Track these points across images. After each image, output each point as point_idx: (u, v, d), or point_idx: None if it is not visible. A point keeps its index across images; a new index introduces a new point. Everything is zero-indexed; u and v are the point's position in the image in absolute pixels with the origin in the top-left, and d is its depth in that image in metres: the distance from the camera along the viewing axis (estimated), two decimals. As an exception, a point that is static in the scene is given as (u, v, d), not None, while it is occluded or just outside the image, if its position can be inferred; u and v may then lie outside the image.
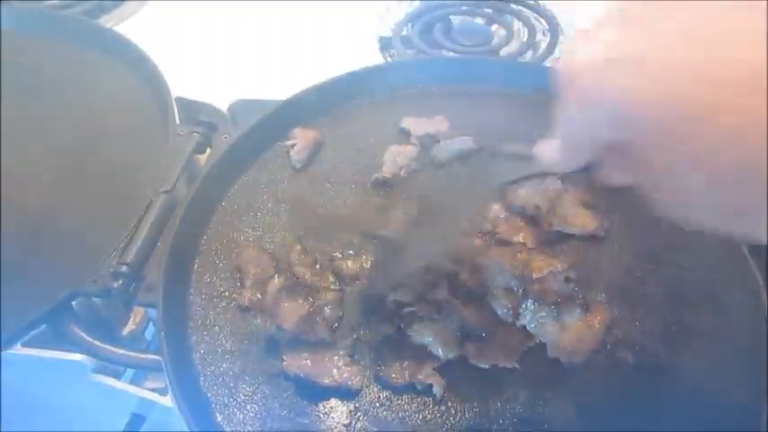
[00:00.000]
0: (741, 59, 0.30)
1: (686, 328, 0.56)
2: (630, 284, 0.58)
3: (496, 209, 0.62)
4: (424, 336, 0.53)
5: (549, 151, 0.43)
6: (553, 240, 0.61)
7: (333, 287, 0.58)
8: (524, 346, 0.53)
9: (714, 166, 0.32)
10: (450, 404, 0.51)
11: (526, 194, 0.63)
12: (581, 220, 0.62)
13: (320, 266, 0.60)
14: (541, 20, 0.98)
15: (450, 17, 1.00)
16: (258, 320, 0.57)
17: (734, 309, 0.57)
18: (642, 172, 0.36)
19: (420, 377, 0.51)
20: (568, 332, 0.54)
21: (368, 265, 0.59)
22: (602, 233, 0.62)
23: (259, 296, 0.58)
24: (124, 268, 0.56)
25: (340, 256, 0.61)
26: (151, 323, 0.62)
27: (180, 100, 0.73)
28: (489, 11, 1.01)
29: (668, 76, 0.32)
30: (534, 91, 0.75)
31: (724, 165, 0.31)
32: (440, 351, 0.53)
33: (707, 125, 0.31)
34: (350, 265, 0.60)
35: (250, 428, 0.50)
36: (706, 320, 0.56)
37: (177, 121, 0.69)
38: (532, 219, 0.62)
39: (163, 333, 0.53)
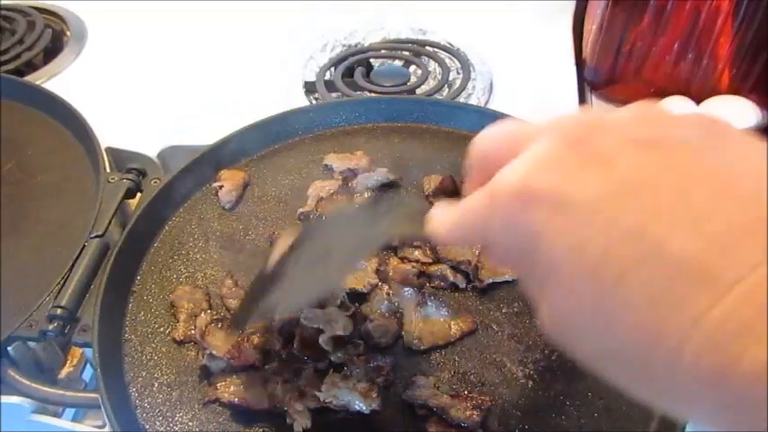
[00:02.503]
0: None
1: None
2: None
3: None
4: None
5: (441, 221, 0.39)
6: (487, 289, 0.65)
7: (262, 316, 0.62)
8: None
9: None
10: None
11: (455, 250, 0.66)
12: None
13: (250, 298, 0.64)
14: (455, 60, 1.05)
15: (371, 60, 1.06)
16: (193, 353, 0.60)
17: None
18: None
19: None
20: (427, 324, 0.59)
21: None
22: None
23: (193, 329, 0.61)
24: (59, 311, 0.58)
25: (269, 286, 0.64)
26: (88, 365, 0.64)
27: (111, 150, 0.75)
28: (407, 53, 1.08)
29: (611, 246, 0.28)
30: (447, 125, 0.82)
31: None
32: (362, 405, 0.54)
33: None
34: (278, 294, 0.63)
35: (188, 454, 0.53)
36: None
37: (108, 170, 0.72)
38: (465, 274, 0.65)
39: (99, 370, 0.55)
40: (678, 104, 0.94)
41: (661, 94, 0.96)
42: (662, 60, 0.96)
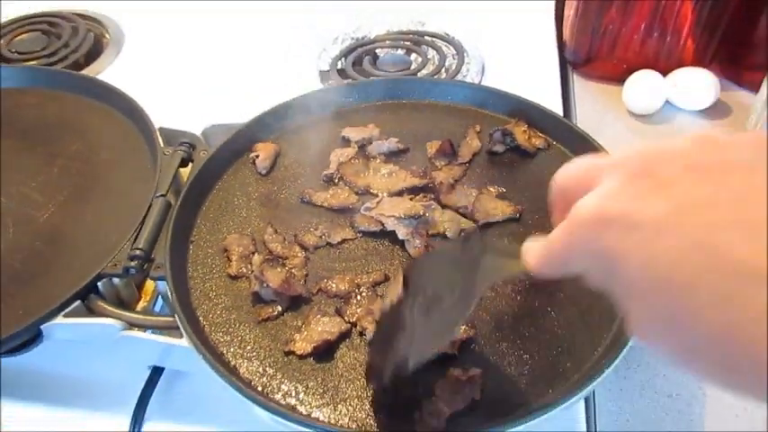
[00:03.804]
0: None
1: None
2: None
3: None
4: None
5: (532, 254, 0.44)
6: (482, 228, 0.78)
7: (299, 255, 0.76)
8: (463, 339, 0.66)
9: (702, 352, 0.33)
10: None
11: (456, 198, 0.82)
12: (501, 210, 0.80)
13: (287, 241, 0.78)
14: (450, 47, 1.19)
15: (376, 50, 1.20)
16: (245, 285, 0.74)
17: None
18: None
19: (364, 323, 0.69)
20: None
21: (323, 235, 0.77)
22: (518, 214, 0.79)
23: (243, 267, 0.75)
24: (138, 252, 0.72)
25: (302, 232, 0.78)
26: (159, 300, 0.78)
27: (162, 130, 0.89)
28: (408, 43, 1.21)
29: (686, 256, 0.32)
30: (444, 101, 0.95)
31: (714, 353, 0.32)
32: None
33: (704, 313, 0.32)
34: (309, 238, 0.77)
35: (248, 358, 0.67)
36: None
37: (162, 145, 0.86)
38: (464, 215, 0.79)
39: (174, 295, 0.69)
40: (648, 77, 1.08)
41: (633, 69, 1.10)
42: (631, 39, 1.10)
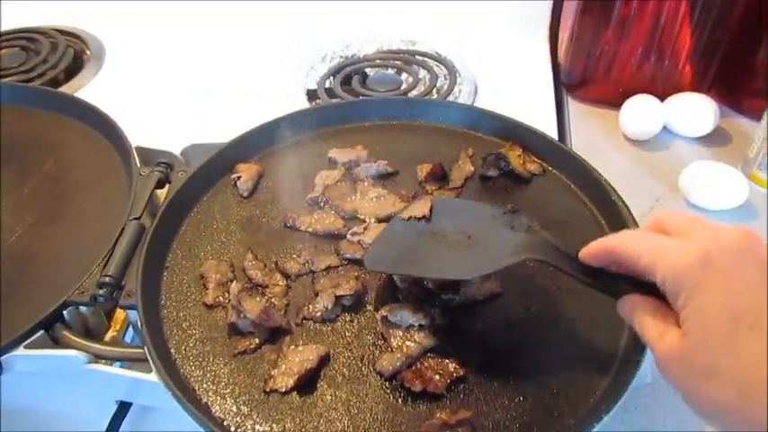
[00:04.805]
0: None
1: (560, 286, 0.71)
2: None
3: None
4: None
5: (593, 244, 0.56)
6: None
7: (280, 283, 0.71)
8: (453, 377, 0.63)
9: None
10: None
11: None
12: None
13: (268, 269, 0.73)
14: (442, 67, 1.16)
15: (366, 69, 1.17)
16: (221, 315, 0.69)
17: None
18: None
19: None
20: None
21: (306, 262, 0.73)
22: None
23: (220, 296, 0.70)
24: (107, 279, 0.68)
25: (284, 259, 0.74)
26: (130, 329, 0.73)
27: (139, 149, 0.85)
28: (399, 62, 1.18)
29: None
30: (436, 122, 0.92)
31: None
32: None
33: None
34: (292, 265, 0.73)
35: (221, 395, 0.62)
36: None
37: (139, 165, 0.81)
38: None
39: (144, 326, 0.64)
40: (645, 102, 1.05)
41: (629, 93, 1.07)
42: (627, 62, 1.07)
